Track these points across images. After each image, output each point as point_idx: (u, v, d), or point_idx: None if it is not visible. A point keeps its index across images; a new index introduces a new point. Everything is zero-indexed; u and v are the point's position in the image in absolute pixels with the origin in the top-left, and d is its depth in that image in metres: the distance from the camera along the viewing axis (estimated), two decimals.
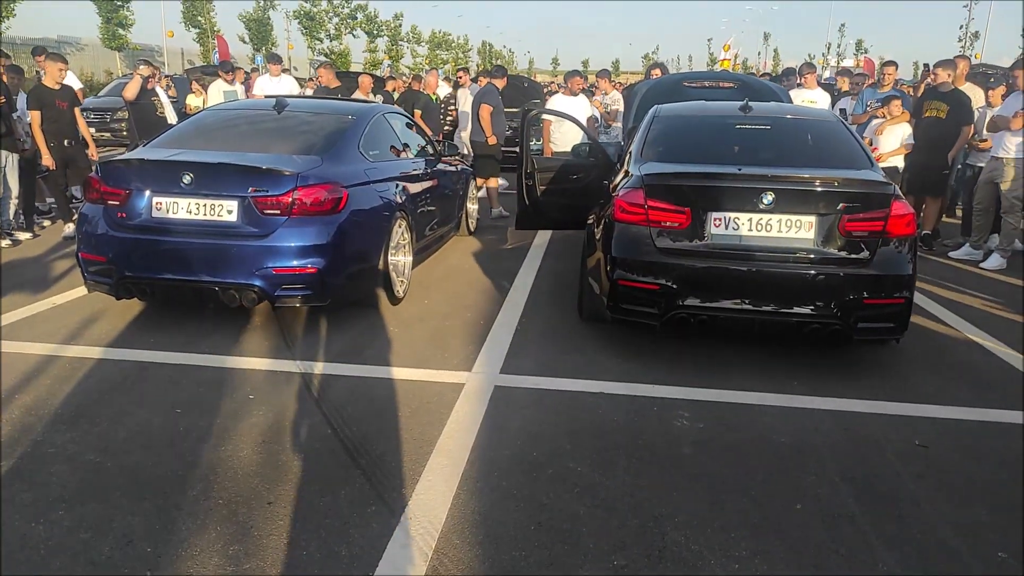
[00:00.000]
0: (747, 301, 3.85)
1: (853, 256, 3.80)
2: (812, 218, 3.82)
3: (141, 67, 8.48)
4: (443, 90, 12.31)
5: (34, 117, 6.88)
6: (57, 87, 7.03)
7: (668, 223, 3.95)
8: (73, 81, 9.89)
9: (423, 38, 75.30)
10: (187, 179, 4.25)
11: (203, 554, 2.38)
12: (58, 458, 2.96)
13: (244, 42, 49.14)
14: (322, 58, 50.26)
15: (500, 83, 8.90)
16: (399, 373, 3.96)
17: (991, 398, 3.83)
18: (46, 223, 7.84)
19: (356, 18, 56.66)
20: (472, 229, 7.83)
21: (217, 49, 33.86)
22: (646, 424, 3.41)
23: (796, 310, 3.81)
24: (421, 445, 3.16)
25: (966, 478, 3.00)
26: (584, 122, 7.96)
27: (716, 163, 4.20)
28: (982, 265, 6.90)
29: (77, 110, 7.25)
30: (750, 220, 3.87)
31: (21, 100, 7.39)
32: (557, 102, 8.78)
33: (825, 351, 4.35)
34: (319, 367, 4.00)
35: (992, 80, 10.36)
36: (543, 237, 7.78)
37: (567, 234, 7.95)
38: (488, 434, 3.26)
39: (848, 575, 2.36)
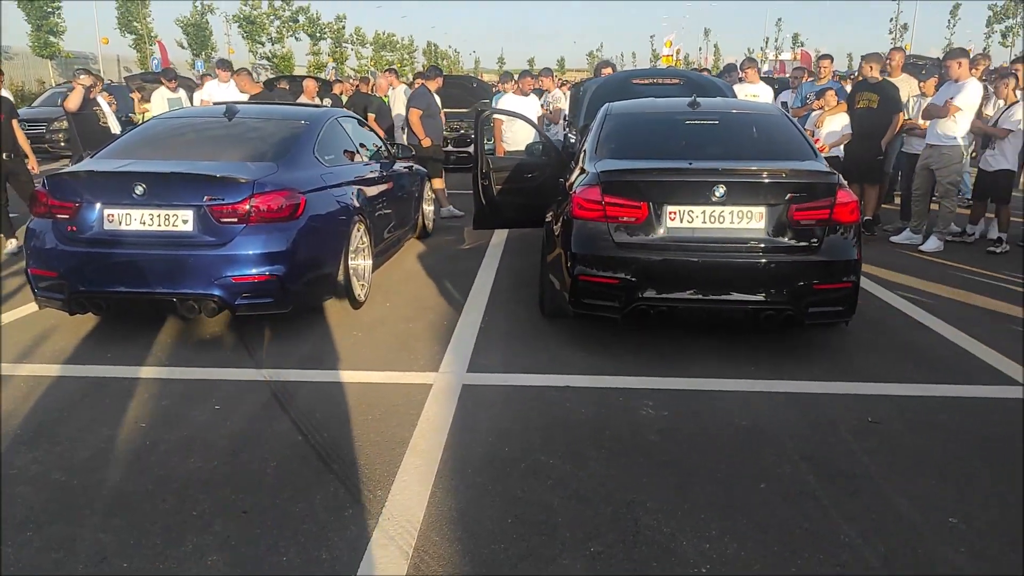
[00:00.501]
0: (704, 291, 3.97)
1: (802, 244, 3.95)
2: (762, 208, 3.96)
3: (82, 76, 8.23)
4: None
5: None
6: None
7: (625, 218, 4.04)
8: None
9: (367, 40, 74.57)
10: (139, 190, 4.18)
11: (180, 567, 2.37)
12: (21, 479, 2.90)
13: (183, 47, 47.98)
14: (264, 62, 49.42)
15: (433, 84, 8.69)
16: (366, 376, 3.97)
17: (936, 374, 4.02)
18: None
19: (298, 21, 55.65)
20: (429, 230, 7.84)
21: (159, 55, 33.01)
22: (612, 415, 3.49)
23: (750, 298, 3.94)
24: (393, 446, 3.18)
25: (916, 451, 3.16)
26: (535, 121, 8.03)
27: (669, 158, 4.31)
28: (921, 248, 7.20)
29: (15, 122, 7.03)
30: (703, 212, 3.99)
31: None
32: (508, 102, 8.83)
33: (779, 336, 4.51)
34: (284, 374, 3.98)
35: (924, 71, 10.80)
36: (500, 236, 7.84)
37: (524, 233, 8.02)
38: (459, 433, 3.30)
39: (813, 551, 2.48)
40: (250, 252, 4.23)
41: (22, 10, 36.13)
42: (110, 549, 2.45)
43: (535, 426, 3.38)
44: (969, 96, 6.88)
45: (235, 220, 4.22)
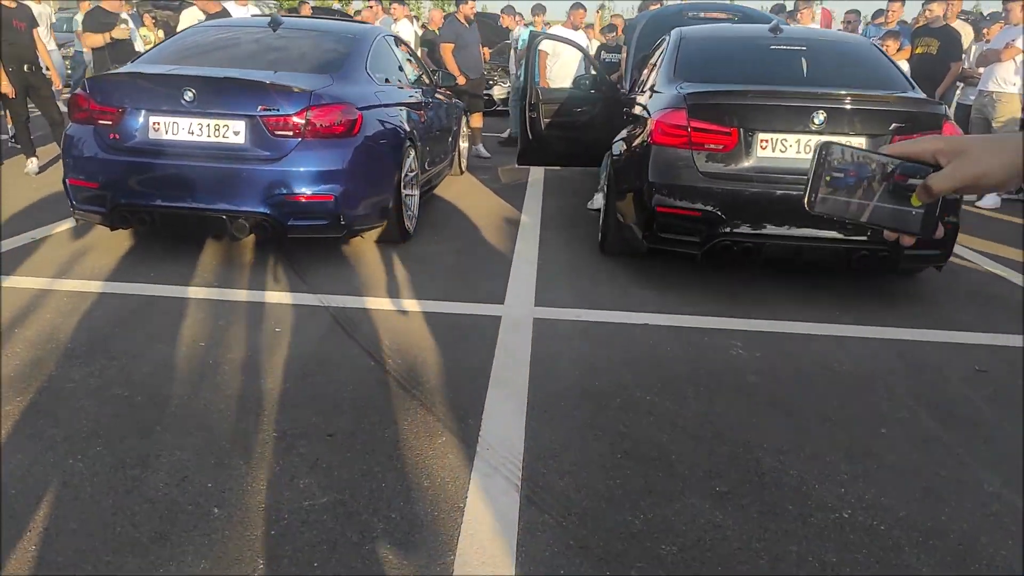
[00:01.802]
0: (796, 227, 3.71)
1: None
2: (863, 139, 3.68)
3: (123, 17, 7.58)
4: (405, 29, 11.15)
5: None
6: (13, 5, 6.40)
7: (712, 145, 3.75)
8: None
9: None
10: (189, 96, 3.87)
11: (271, 488, 2.16)
12: (79, 393, 2.67)
13: None
14: None
15: (464, 10, 8.00)
16: (429, 306, 3.72)
17: None
18: None
19: None
20: (463, 168, 7.53)
21: None
22: (702, 354, 3.27)
23: (845, 236, 3.68)
24: (474, 376, 2.95)
25: None
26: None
27: (758, 84, 4.00)
28: (978, 204, 6.92)
29: (36, 32, 6.63)
30: (798, 141, 3.70)
31: None
32: (558, 33, 8.41)
33: (854, 282, 4.27)
34: (342, 300, 3.74)
35: (985, 21, 10.35)
36: (536, 175, 7.54)
37: (562, 173, 7.74)
38: (541, 365, 3.08)
39: (959, 499, 2.27)
40: (305, 169, 3.95)
41: None
42: (191, 467, 2.23)
43: (621, 361, 3.16)
44: None
45: (290, 133, 3.93)
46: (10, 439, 2.35)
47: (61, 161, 4.19)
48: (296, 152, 3.93)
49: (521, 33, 10.16)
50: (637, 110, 4.47)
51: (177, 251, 4.36)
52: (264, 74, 4.13)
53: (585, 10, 9.22)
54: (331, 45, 4.79)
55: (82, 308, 3.49)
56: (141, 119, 3.95)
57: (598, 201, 6.06)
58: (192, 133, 3.95)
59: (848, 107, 3.65)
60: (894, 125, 3.64)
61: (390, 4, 11.61)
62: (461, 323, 3.52)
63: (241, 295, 3.76)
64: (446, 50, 8.03)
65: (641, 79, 5.48)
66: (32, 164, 6.60)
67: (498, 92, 12.53)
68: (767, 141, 3.72)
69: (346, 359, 3.06)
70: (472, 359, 3.12)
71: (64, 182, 4.13)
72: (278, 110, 3.90)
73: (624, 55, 7.14)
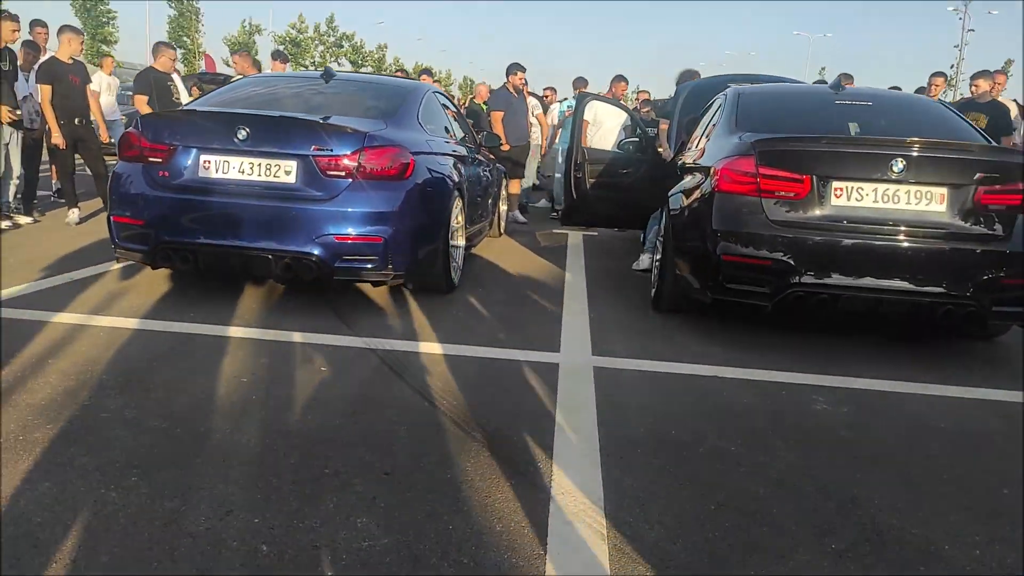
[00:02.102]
0: (873, 278, 3.48)
1: (990, 232, 3.46)
2: (944, 190, 3.48)
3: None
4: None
5: (44, 92, 6.37)
6: (70, 62, 6.54)
7: (783, 192, 3.58)
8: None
9: (406, 69, 75.65)
10: (242, 134, 3.80)
11: (325, 527, 1.90)
12: (115, 423, 2.46)
13: (228, 65, 48.80)
14: None
15: (513, 80, 8.13)
16: (481, 352, 3.51)
17: None
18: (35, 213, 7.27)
19: (342, 47, 56.70)
20: (502, 230, 7.43)
21: (204, 67, 33.40)
22: (783, 407, 3.00)
23: (928, 289, 3.44)
24: (538, 419, 2.71)
25: None
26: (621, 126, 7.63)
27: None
28: None
29: (89, 88, 6.76)
30: (875, 190, 3.52)
31: (29, 80, 6.86)
32: (598, 104, 8.47)
33: (916, 339, 3.99)
34: (389, 344, 3.53)
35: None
36: (575, 240, 7.42)
37: (600, 237, 7.62)
38: (610, 412, 2.82)
39: None
40: (356, 210, 3.82)
41: (79, 19, 36.98)
42: (236, 502, 1.99)
43: (696, 411, 2.89)
44: None
45: (342, 174, 3.82)
46: (37, 466, 2.13)
47: (105, 203, 4.11)
48: (347, 192, 3.82)
49: (560, 106, 10.28)
50: (694, 162, 4.34)
51: (217, 293, 4.22)
52: (317, 117, 4.07)
53: (627, 82, 9.31)
54: (386, 94, 4.77)
55: (118, 342, 3.31)
56: (192, 157, 3.88)
57: (644, 262, 5.89)
58: (243, 172, 3.85)
59: (929, 154, 3.48)
60: (978, 175, 3.45)
61: (419, 76, 11.90)
62: (516, 369, 3.29)
63: (284, 335, 3.57)
64: (496, 117, 8.10)
65: (693, 139, 5.39)
66: (73, 215, 6.59)
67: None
68: (842, 189, 3.53)
69: (397, 399, 2.83)
70: (532, 403, 2.88)
71: (108, 219, 4.03)
72: (332, 150, 3.81)
73: (662, 128, 7.08)
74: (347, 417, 2.62)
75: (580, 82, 9.87)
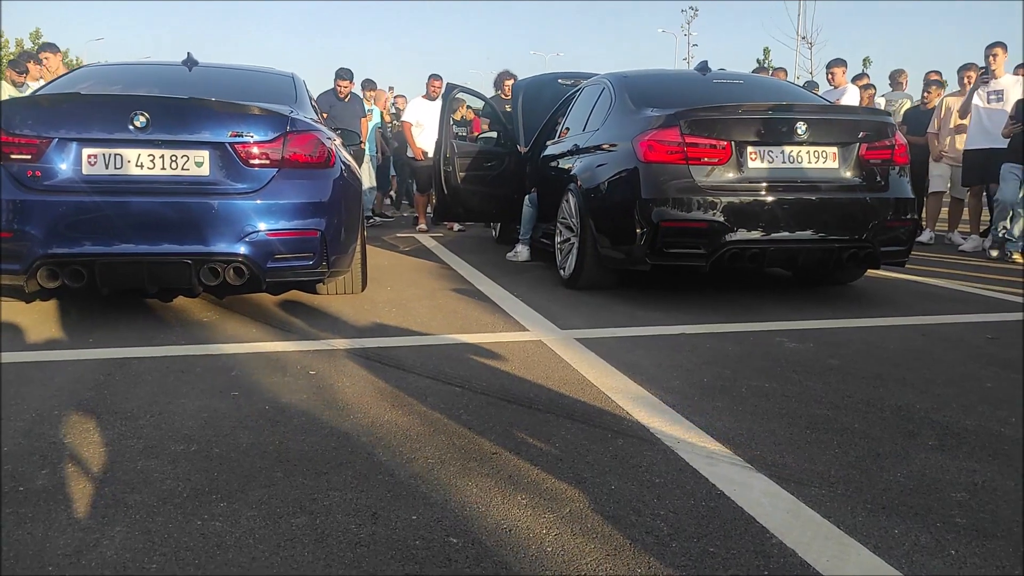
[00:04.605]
0: (793, 231, 3.87)
1: (873, 182, 4.01)
2: (835, 148, 3.98)
3: None
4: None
5: None
6: None
7: (708, 159, 3.85)
8: None
9: None
10: (140, 121, 3.23)
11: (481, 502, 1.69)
12: (133, 454, 1.97)
13: None
14: None
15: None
16: (459, 338, 3.34)
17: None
18: None
19: None
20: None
21: None
22: (765, 349, 3.21)
23: (837, 236, 3.91)
24: (582, 387, 2.65)
25: None
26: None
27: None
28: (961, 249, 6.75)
29: None
30: (782, 152, 3.92)
31: None
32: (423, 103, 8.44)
33: (800, 286, 4.56)
34: (361, 343, 3.22)
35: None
36: (429, 241, 7.31)
37: (447, 236, 7.59)
38: (635, 372, 2.83)
39: None
40: (288, 201, 3.44)
41: None
42: (378, 505, 1.70)
43: (704, 361, 3.01)
44: None
45: (267, 163, 3.42)
46: (92, 515, 1.65)
47: None
48: (276, 183, 3.42)
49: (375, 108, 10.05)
50: (588, 144, 4.51)
51: (117, 315, 3.54)
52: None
53: (441, 80, 9.36)
54: (270, 81, 4.34)
55: (44, 376, 2.65)
56: (71, 152, 3.22)
57: (523, 253, 5.91)
58: (141, 167, 3.28)
59: (824, 118, 3.96)
60: (861, 134, 3.99)
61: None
62: (508, 348, 3.18)
63: (233, 348, 3.10)
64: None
65: (559, 129, 5.56)
66: None
67: None
68: (756, 153, 3.89)
69: (418, 390, 2.59)
70: (561, 373, 2.80)
71: None
72: (252, 137, 3.39)
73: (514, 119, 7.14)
74: (378, 414, 2.35)
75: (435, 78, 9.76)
